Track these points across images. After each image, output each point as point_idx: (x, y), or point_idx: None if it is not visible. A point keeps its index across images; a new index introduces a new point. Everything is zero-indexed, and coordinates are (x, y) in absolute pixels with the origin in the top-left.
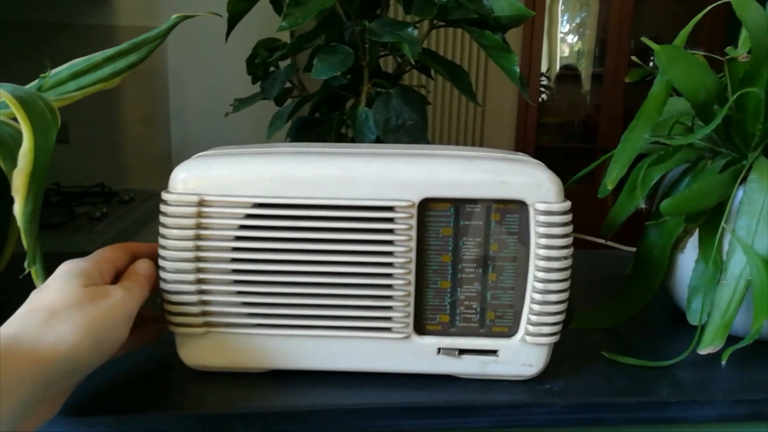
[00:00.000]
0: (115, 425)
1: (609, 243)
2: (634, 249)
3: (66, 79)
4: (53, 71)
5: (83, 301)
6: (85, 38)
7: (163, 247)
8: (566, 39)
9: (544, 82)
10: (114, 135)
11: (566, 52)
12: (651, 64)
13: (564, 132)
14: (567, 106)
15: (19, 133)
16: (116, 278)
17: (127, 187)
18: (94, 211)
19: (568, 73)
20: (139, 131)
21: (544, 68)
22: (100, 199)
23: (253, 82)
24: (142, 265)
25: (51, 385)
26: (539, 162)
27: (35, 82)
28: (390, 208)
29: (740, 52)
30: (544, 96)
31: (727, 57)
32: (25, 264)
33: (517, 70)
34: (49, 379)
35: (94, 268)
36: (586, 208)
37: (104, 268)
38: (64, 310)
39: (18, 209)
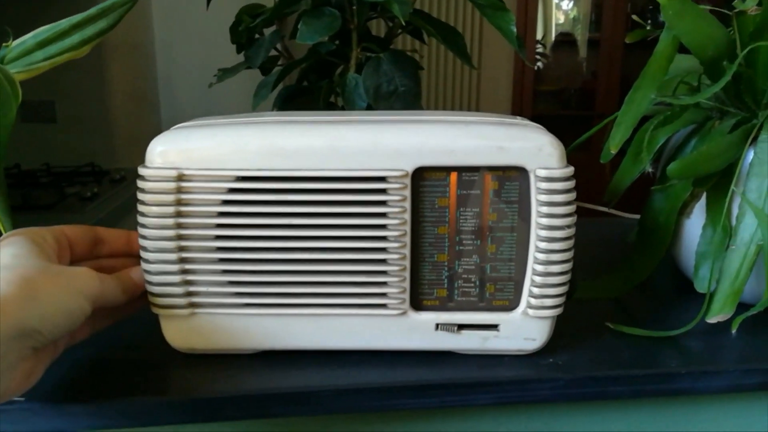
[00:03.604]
0: (96, 412)
1: (610, 210)
2: (636, 216)
3: (32, 49)
4: (17, 41)
5: (37, 264)
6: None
7: (143, 225)
8: (561, 5)
9: (540, 50)
10: (103, 113)
11: (561, 18)
12: (648, 27)
13: (561, 100)
14: (563, 73)
15: None
16: (74, 261)
17: (118, 166)
18: (84, 191)
19: (564, 39)
20: (128, 108)
21: (539, 36)
22: (90, 179)
23: (238, 51)
24: (137, 272)
25: (27, 336)
26: (539, 126)
27: None
28: (382, 179)
29: (749, 4)
30: (540, 64)
31: (736, 10)
32: None
33: (514, 29)
34: (17, 330)
35: (46, 234)
36: (584, 177)
37: (57, 238)
38: (19, 265)
39: None
